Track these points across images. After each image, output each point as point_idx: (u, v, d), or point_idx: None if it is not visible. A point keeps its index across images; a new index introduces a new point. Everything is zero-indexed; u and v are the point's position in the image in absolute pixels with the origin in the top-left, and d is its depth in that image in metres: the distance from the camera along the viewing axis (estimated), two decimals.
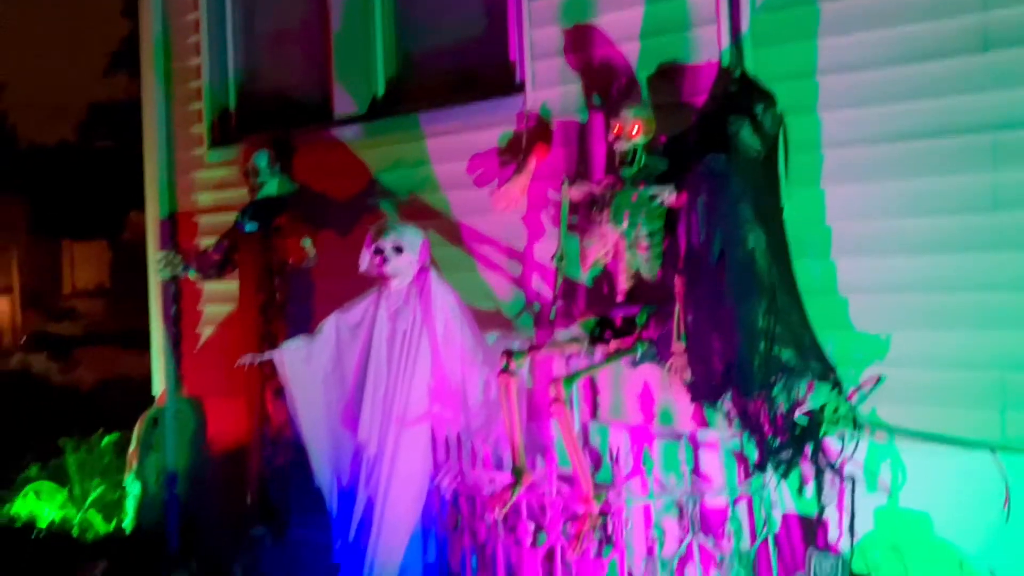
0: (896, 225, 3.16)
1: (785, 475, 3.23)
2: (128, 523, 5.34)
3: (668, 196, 3.35)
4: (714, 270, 3.15)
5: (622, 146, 3.41)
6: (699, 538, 3.24)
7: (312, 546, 4.18)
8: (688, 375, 3.23)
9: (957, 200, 3.05)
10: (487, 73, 4.30)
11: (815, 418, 3.18)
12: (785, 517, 3.37)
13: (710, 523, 3.37)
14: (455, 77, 4.49)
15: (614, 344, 3.48)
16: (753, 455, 3.26)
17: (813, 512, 3.25)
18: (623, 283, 3.49)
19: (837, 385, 3.15)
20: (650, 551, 3.24)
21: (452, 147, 4.28)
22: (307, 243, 4.43)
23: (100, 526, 5.47)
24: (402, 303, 3.89)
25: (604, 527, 3.26)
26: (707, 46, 3.51)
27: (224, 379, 4.86)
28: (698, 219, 3.21)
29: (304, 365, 4.03)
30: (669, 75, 3.64)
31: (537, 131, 3.96)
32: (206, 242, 5.07)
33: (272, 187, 4.74)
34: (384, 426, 3.84)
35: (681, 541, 3.25)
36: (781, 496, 3.36)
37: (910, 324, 3.14)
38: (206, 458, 5.40)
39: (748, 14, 3.43)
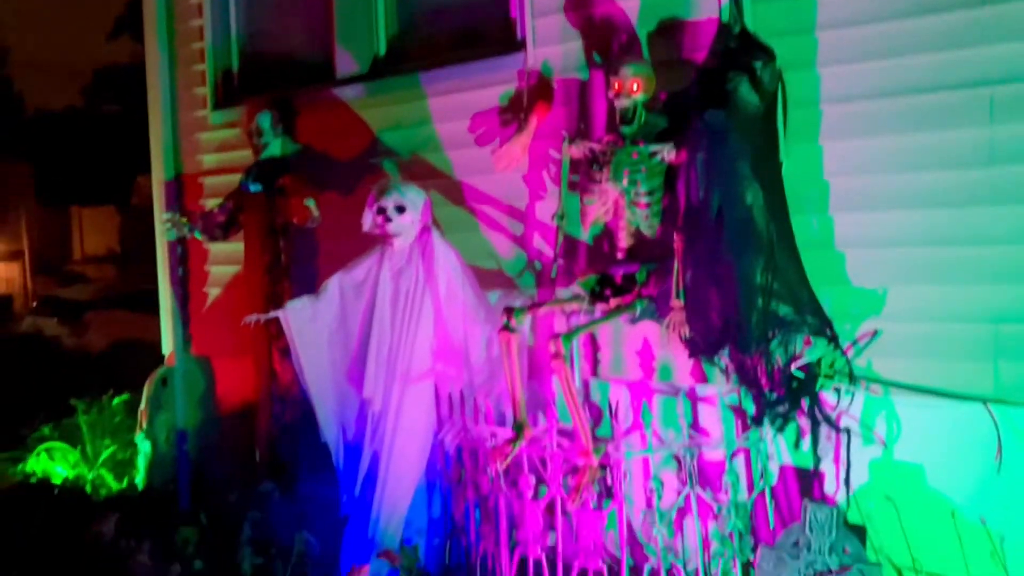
0: (893, 180, 3.17)
1: (782, 428, 3.29)
2: (140, 480, 5.43)
3: (668, 153, 3.37)
4: (713, 227, 3.18)
5: (622, 103, 3.42)
6: (697, 490, 3.30)
7: (320, 500, 4.25)
8: (686, 331, 3.27)
9: (954, 155, 3.06)
10: (488, 31, 4.29)
11: (811, 372, 3.22)
12: (782, 469, 3.42)
13: (708, 476, 3.42)
14: (456, 35, 4.48)
15: (614, 301, 3.52)
16: (750, 409, 3.31)
17: (809, 465, 3.30)
18: (623, 241, 3.52)
19: (834, 340, 3.19)
20: (649, 503, 3.30)
21: (453, 106, 4.29)
22: (311, 203, 4.46)
23: (112, 484, 5.57)
24: (405, 262, 3.92)
25: (603, 480, 3.32)
26: (707, 2, 3.49)
27: (232, 339, 4.93)
28: (697, 176, 3.22)
29: (309, 324, 4.07)
30: (669, 32, 3.64)
31: (538, 89, 3.96)
32: (211, 203, 5.10)
33: (275, 148, 4.78)
34: (388, 383, 3.89)
35: (679, 493, 3.31)
36: (778, 449, 3.41)
37: (906, 278, 3.16)
38: (215, 416, 5.48)
39: None
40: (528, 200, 4.05)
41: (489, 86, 4.14)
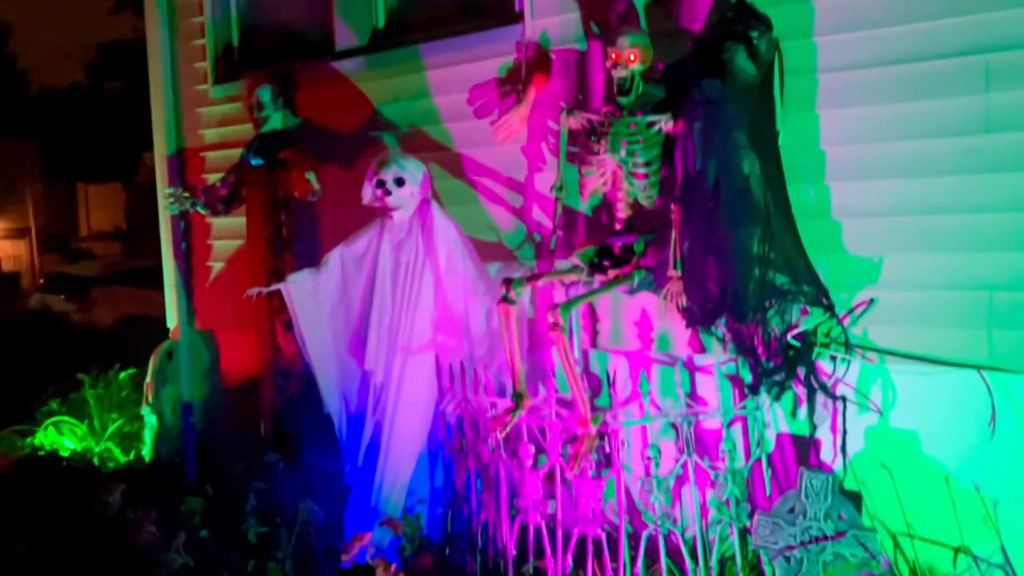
0: (890, 149, 3.18)
1: (778, 397, 3.32)
2: (146, 453, 5.50)
3: (665, 124, 3.37)
4: (710, 197, 3.19)
5: (619, 74, 3.41)
6: (694, 458, 3.34)
7: (323, 471, 4.31)
8: (684, 301, 3.29)
9: (950, 123, 3.06)
10: (486, 3, 4.28)
11: (808, 341, 3.25)
12: (779, 437, 3.45)
13: (705, 444, 3.46)
14: (454, 7, 4.47)
15: (612, 272, 3.54)
16: (747, 378, 3.34)
17: (806, 432, 3.33)
18: (621, 212, 3.53)
19: (830, 308, 3.21)
20: (647, 471, 3.34)
21: (452, 78, 4.29)
22: (311, 176, 4.48)
23: (120, 457, 5.64)
24: (405, 235, 3.94)
25: (601, 448, 3.36)
26: None
27: (235, 312, 4.97)
28: (694, 146, 3.23)
29: (311, 297, 4.10)
30: (666, 2, 3.63)
31: (536, 61, 3.96)
32: (213, 178, 5.12)
33: (276, 121, 4.79)
34: (390, 355, 3.93)
35: (677, 461, 3.35)
36: (775, 417, 3.44)
37: (902, 247, 3.17)
38: (220, 389, 5.54)
39: None
40: (527, 172, 4.07)
41: (488, 58, 4.14)
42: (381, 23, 4.67)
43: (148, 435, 5.50)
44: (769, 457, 3.41)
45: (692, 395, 3.57)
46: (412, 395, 3.90)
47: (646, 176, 3.42)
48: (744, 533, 3.28)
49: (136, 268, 13.75)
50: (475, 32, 4.21)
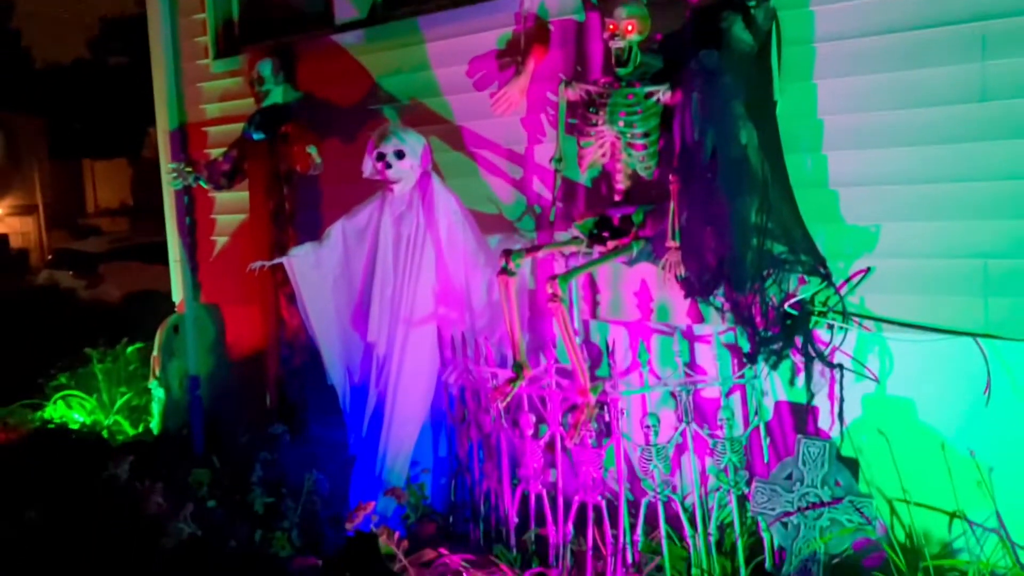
0: (887, 117, 3.17)
1: (776, 365, 3.35)
2: (154, 426, 5.56)
3: (663, 94, 3.38)
4: (707, 167, 3.20)
5: (617, 44, 3.41)
6: (693, 427, 3.38)
7: (328, 441, 4.36)
8: (682, 271, 3.31)
9: (946, 91, 3.05)
10: None
11: (805, 310, 3.27)
12: (776, 405, 3.48)
13: (704, 412, 3.50)
14: None
15: (611, 243, 3.56)
16: (746, 347, 3.36)
17: (803, 400, 3.36)
18: (620, 183, 3.55)
19: (827, 277, 3.23)
20: (646, 439, 3.37)
21: (452, 50, 4.29)
22: (313, 150, 4.50)
23: (128, 430, 5.71)
24: (405, 208, 3.96)
25: (601, 417, 3.40)
26: None
27: (240, 286, 5.00)
28: (691, 117, 3.24)
29: (313, 270, 4.13)
30: None
31: (535, 32, 3.96)
32: (216, 152, 5.14)
33: (277, 95, 4.80)
34: (392, 327, 3.96)
35: (676, 429, 3.39)
36: (773, 385, 3.47)
37: (899, 216, 3.18)
38: (226, 362, 5.59)
39: None
40: (527, 144, 4.07)
41: (487, 29, 4.13)
42: None
43: (156, 408, 5.57)
44: (767, 425, 3.45)
45: (691, 364, 3.60)
46: (414, 366, 3.94)
47: (644, 147, 3.43)
48: (742, 500, 3.32)
49: (143, 244, 13.78)
50: (474, 3, 4.20)
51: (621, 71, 3.43)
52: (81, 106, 27.51)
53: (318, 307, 4.16)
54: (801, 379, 3.34)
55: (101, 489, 4.18)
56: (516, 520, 3.65)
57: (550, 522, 3.54)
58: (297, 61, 4.92)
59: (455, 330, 3.92)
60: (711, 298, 3.34)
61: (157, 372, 5.54)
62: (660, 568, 3.30)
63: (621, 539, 3.37)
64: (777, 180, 3.22)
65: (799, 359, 3.31)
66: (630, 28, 3.38)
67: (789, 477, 3.21)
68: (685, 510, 3.35)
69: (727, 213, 3.19)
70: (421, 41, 4.41)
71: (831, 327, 3.27)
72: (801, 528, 3.15)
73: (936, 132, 3.09)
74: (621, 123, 3.43)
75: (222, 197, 5.40)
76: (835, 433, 3.28)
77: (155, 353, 5.56)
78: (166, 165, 5.63)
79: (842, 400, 3.26)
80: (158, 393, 5.52)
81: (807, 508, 3.14)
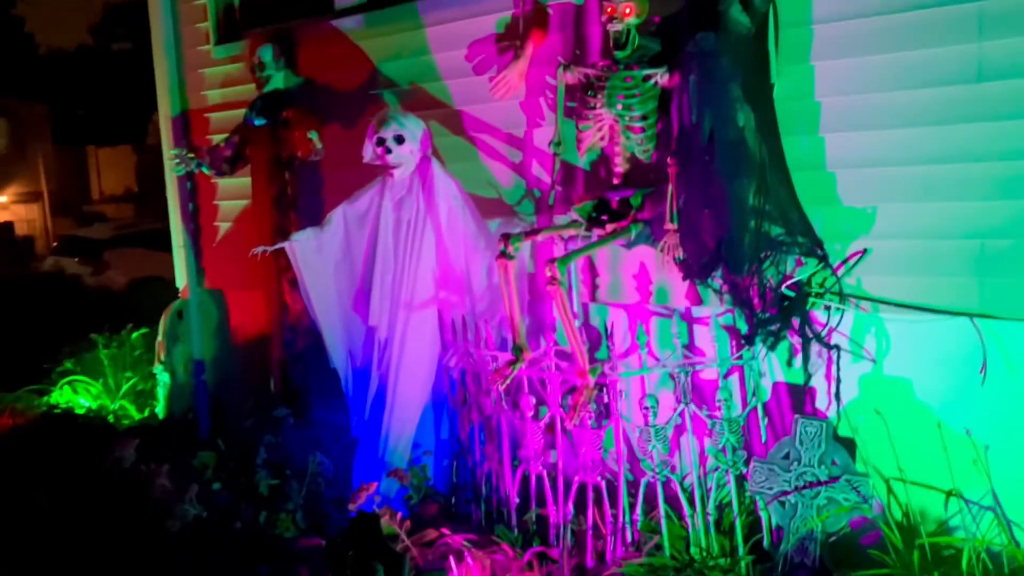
0: (884, 99, 3.18)
1: (774, 347, 3.37)
2: (160, 410, 5.61)
3: (661, 77, 3.39)
4: (705, 150, 3.21)
5: (615, 28, 3.42)
6: (692, 407, 3.40)
7: (331, 424, 4.40)
8: (680, 253, 3.33)
9: (943, 72, 3.05)
10: None
11: (802, 291, 3.28)
12: (774, 386, 3.51)
13: (703, 393, 3.53)
14: None
15: (610, 226, 3.57)
16: (743, 328, 3.38)
17: (801, 381, 3.38)
18: (619, 166, 3.56)
19: (824, 259, 3.24)
20: (645, 420, 3.40)
21: (451, 35, 4.29)
22: (314, 136, 4.52)
23: (134, 414, 5.76)
24: (405, 192, 3.98)
25: (600, 399, 3.43)
26: None
27: (243, 271, 5.04)
28: (689, 99, 3.25)
29: (315, 255, 4.16)
30: None
31: (534, 16, 3.96)
32: (218, 138, 5.16)
33: (278, 80, 4.82)
34: (393, 310, 3.99)
35: (675, 410, 3.42)
36: (770, 366, 3.49)
37: (895, 197, 3.19)
38: (229, 346, 5.63)
39: None
40: (526, 128, 4.09)
41: (485, 13, 4.14)
42: None
43: (161, 392, 5.62)
44: (765, 405, 3.47)
45: (689, 346, 3.62)
46: (416, 350, 3.97)
47: (643, 130, 3.45)
48: (740, 479, 3.35)
49: (147, 230, 13.81)
50: None
51: (619, 54, 3.44)
52: (85, 93, 27.50)
53: (320, 291, 4.19)
54: (798, 360, 3.36)
55: (107, 473, 4.23)
56: (517, 500, 3.69)
57: (550, 502, 3.58)
58: (298, 46, 4.94)
59: (456, 314, 3.95)
60: (709, 280, 3.36)
61: (162, 357, 5.58)
62: (659, 547, 3.33)
63: (621, 519, 3.41)
64: (774, 162, 3.24)
65: (796, 340, 3.33)
66: (628, 11, 3.38)
67: (787, 457, 3.24)
68: (684, 490, 3.38)
69: (725, 195, 3.20)
70: (420, 26, 4.41)
71: (828, 308, 3.29)
72: (799, 507, 3.18)
73: (933, 113, 3.09)
74: (619, 106, 3.44)
75: (225, 183, 5.42)
76: (832, 413, 3.30)
77: (160, 338, 5.60)
78: (168, 151, 5.65)
79: (839, 380, 3.28)
80: (163, 378, 5.57)
81: (804, 487, 3.17)
